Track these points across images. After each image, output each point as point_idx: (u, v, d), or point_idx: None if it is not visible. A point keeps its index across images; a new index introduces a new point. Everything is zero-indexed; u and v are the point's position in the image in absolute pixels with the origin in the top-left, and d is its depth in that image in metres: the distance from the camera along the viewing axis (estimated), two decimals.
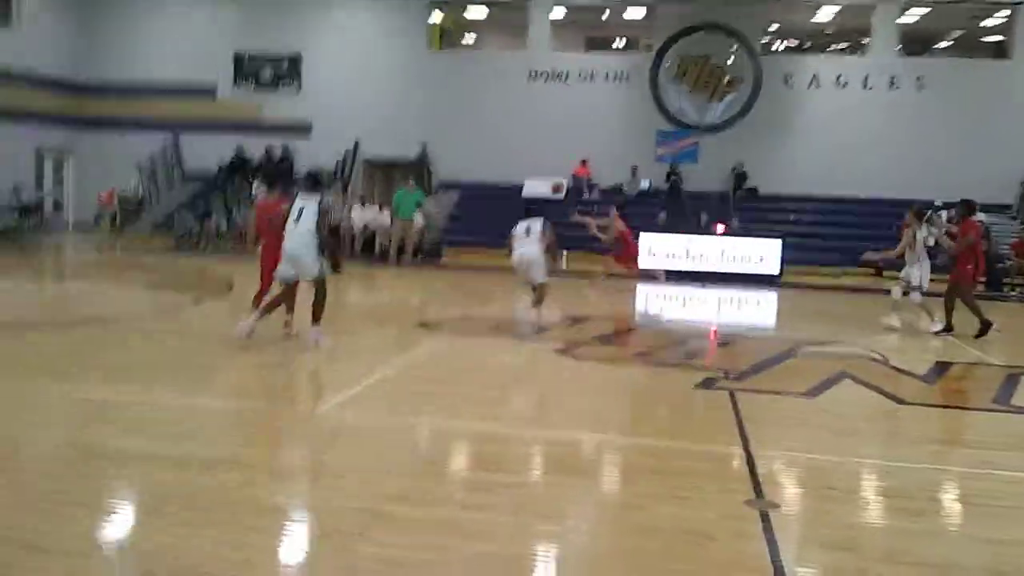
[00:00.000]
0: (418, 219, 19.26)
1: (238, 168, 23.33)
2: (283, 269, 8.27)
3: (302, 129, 23.79)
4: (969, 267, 11.21)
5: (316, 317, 8.37)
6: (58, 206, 24.33)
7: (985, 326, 10.69)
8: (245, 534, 3.90)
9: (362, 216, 20.39)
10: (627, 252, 15.33)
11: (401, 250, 18.76)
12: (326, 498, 4.47)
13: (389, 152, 23.61)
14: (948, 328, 10.95)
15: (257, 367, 7.75)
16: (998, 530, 4.38)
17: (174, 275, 15.01)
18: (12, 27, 22.45)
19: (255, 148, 23.69)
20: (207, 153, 23.32)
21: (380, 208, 20.37)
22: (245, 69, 24.44)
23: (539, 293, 10.20)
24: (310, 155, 22.72)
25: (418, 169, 23.06)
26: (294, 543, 3.99)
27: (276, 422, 5.97)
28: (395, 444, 5.54)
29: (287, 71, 24.30)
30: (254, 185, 21.69)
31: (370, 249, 19.81)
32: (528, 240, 9.97)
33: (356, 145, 23.50)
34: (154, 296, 12.97)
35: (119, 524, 4.09)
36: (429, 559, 3.73)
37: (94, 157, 23.86)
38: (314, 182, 8.59)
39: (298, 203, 8.28)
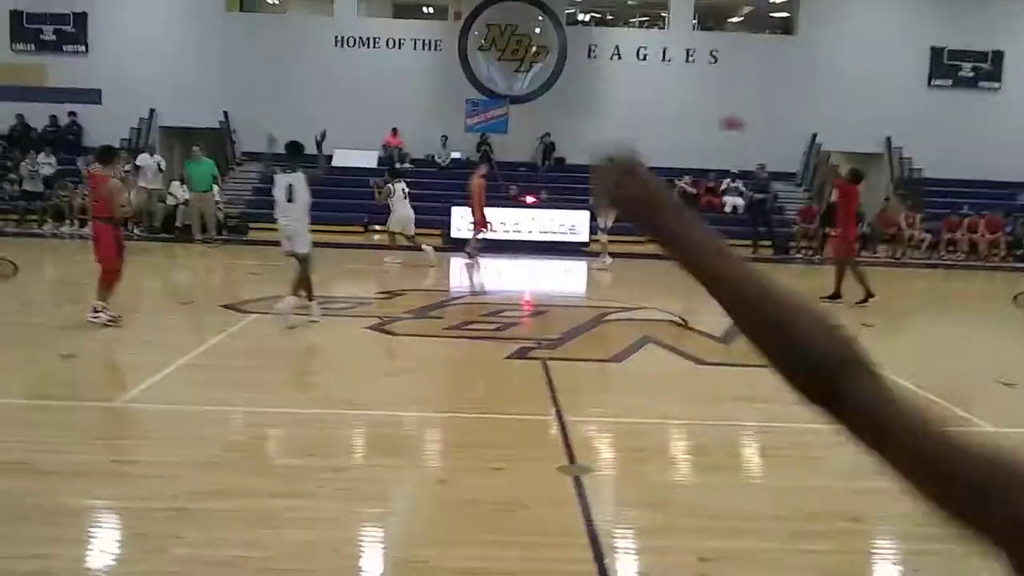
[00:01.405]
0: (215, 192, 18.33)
1: (20, 137, 21.27)
2: (284, 245, 8.73)
3: (91, 95, 21.97)
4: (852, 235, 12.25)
5: (309, 293, 8.61)
6: None
7: (867, 296, 11.59)
8: (41, 544, 3.61)
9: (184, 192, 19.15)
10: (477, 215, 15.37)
11: (204, 227, 17.74)
12: (133, 498, 4.20)
13: (189, 120, 22.31)
14: (836, 295, 11.58)
15: (50, 358, 7.14)
16: (786, 479, 4.79)
17: None
18: None
19: (39, 117, 21.70)
20: None
21: (181, 182, 19.19)
22: (24, 27, 22.15)
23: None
24: (101, 123, 21.12)
25: (220, 138, 22.01)
26: (99, 549, 3.75)
27: (74, 417, 5.52)
28: (201, 435, 5.28)
29: (72, 31, 22.25)
30: (38, 157, 19.91)
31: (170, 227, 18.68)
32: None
33: (152, 113, 22.02)
34: None
35: None
36: (247, 555, 3.61)
37: None
38: (296, 152, 8.69)
39: (284, 179, 8.36)
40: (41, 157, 19.89)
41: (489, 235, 17.09)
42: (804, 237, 19.11)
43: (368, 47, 22.86)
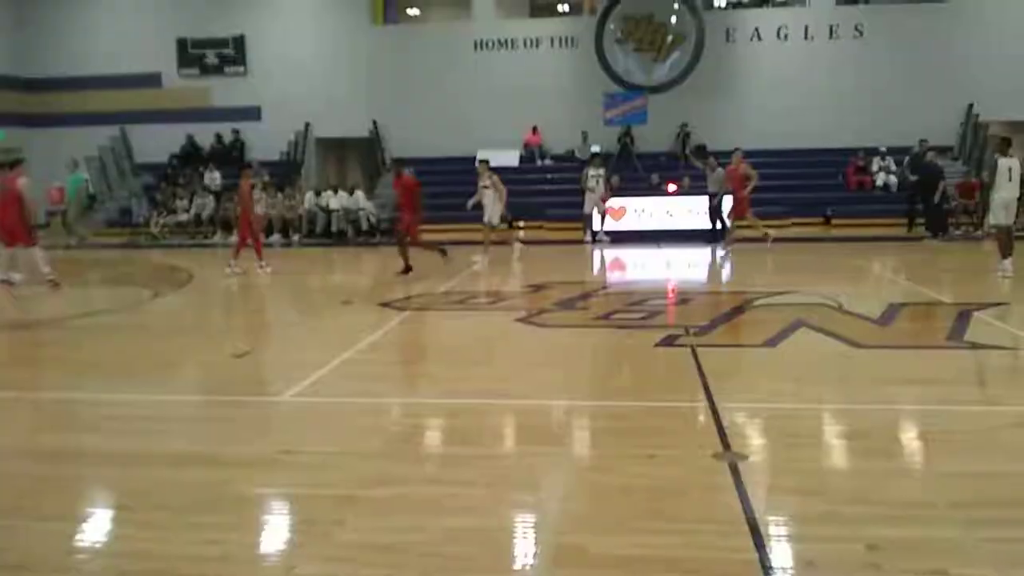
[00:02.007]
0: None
1: (191, 157, 22.97)
2: None
3: (252, 113, 23.47)
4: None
5: None
6: None
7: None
8: (221, 530, 3.88)
9: (339, 200, 20.21)
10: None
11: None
12: (301, 485, 4.46)
13: (340, 132, 23.42)
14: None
15: (217, 359, 7.68)
16: (957, 463, 4.53)
17: (133, 270, 14.75)
18: None
19: (206, 136, 23.38)
20: (157, 143, 22.95)
21: (352, 191, 20.24)
22: (190, 55, 23.92)
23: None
24: (261, 139, 22.52)
25: (370, 146, 22.96)
26: (271, 536, 3.97)
27: (246, 411, 5.93)
28: (364, 426, 5.54)
29: (232, 54, 23.83)
30: (205, 174, 21.45)
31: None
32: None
33: (307, 126, 23.22)
34: (113, 292, 12.77)
35: (90, 531, 4.03)
36: (408, 540, 3.75)
37: (41, 154, 23.23)
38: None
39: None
40: (207, 174, 21.39)
41: (626, 225, 17.17)
42: (964, 212, 17.91)
43: (507, 48, 23.21)
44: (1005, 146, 11.70)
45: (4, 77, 23.48)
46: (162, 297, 11.81)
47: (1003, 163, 11.50)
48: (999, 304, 9.25)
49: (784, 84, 22.09)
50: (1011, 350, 7.08)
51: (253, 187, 13.90)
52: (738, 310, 9.29)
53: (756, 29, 22.62)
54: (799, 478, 4.36)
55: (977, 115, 21.40)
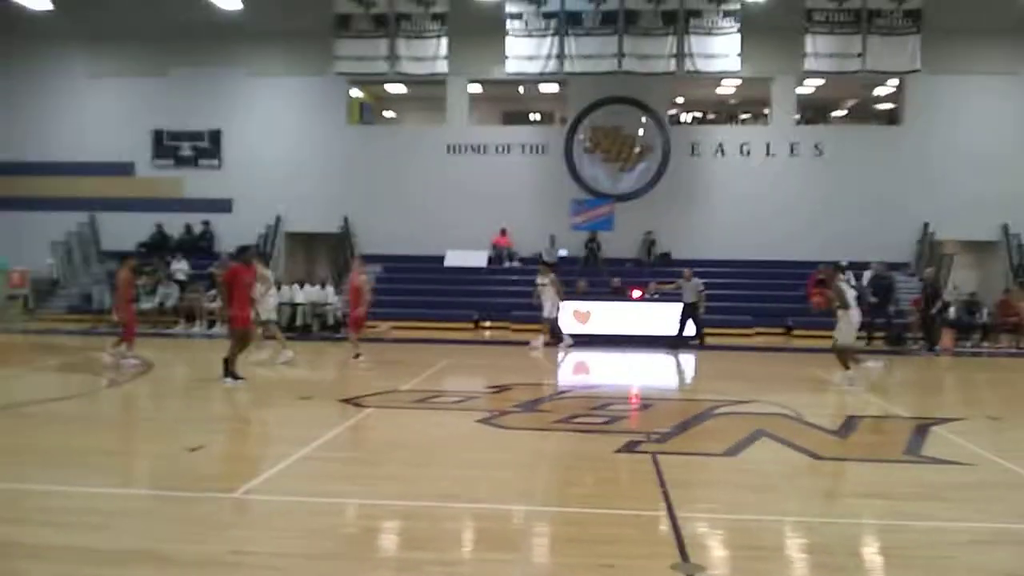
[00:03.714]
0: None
1: (158, 245, 22.94)
2: None
3: (223, 205, 23.67)
4: None
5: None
6: None
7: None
8: None
9: (306, 294, 20.20)
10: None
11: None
12: None
13: (311, 226, 23.63)
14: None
15: (171, 451, 7.51)
16: None
17: (90, 357, 14.46)
18: None
19: (176, 225, 23.46)
20: (126, 231, 22.95)
21: (323, 285, 20.30)
22: (164, 146, 24.21)
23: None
24: (232, 231, 22.60)
25: (340, 242, 23.13)
26: None
27: (197, 508, 5.76)
28: (317, 527, 5.41)
29: (207, 147, 24.16)
30: (172, 263, 21.38)
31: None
32: None
33: (278, 220, 23.40)
34: (67, 379, 12.51)
35: None
36: None
37: (5, 237, 23.09)
38: None
39: None
40: (174, 263, 21.35)
41: (595, 330, 17.42)
42: (920, 327, 18.32)
43: (479, 152, 23.78)
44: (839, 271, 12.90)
45: None
46: (117, 386, 11.58)
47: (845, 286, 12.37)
48: (957, 419, 9.38)
49: (747, 198, 22.78)
50: (968, 465, 7.15)
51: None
52: (699, 418, 9.32)
53: (720, 144, 23.44)
54: None
55: (932, 233, 22.16)
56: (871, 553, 5.14)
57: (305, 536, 5.19)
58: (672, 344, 17.15)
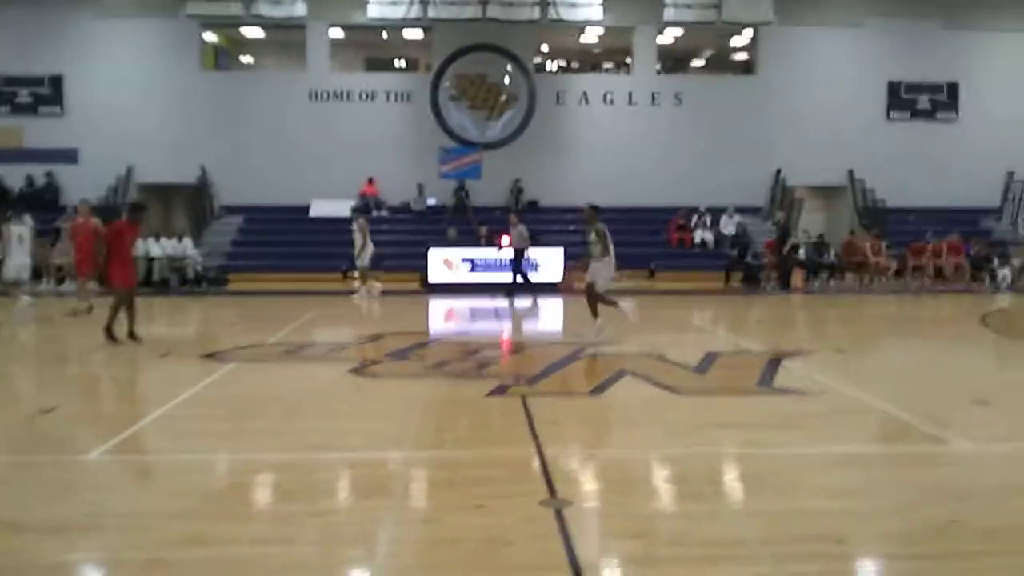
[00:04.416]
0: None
1: None
2: None
3: (68, 155, 22.09)
4: None
5: None
6: None
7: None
8: None
9: (162, 247, 19.21)
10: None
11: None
12: (107, 550, 4.15)
13: (167, 177, 22.43)
14: None
15: (20, 415, 7.07)
16: (767, 503, 4.81)
17: None
18: None
19: (16, 177, 21.77)
20: None
21: (180, 238, 19.34)
22: (2, 92, 22.29)
23: None
24: (79, 182, 21.21)
25: (197, 193, 22.12)
26: None
27: (50, 472, 5.45)
28: (179, 485, 5.23)
29: (48, 93, 22.42)
30: (9, 216, 19.85)
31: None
32: None
33: (129, 170, 22.10)
34: None
35: None
36: None
37: None
38: None
39: None
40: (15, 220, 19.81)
41: (464, 277, 17.34)
42: (773, 268, 19.35)
43: (342, 99, 23.15)
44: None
45: None
46: None
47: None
48: (807, 353, 9.99)
49: (611, 145, 23.22)
50: (817, 395, 7.64)
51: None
52: (567, 360, 9.54)
53: (584, 93, 23.71)
54: (622, 522, 4.49)
55: (784, 179, 23.30)
56: (728, 479, 5.43)
57: (167, 495, 5.00)
58: (508, 291, 16.79)
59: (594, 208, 11.65)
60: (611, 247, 11.15)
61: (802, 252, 20.29)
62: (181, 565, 3.92)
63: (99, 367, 9.58)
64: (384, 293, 17.55)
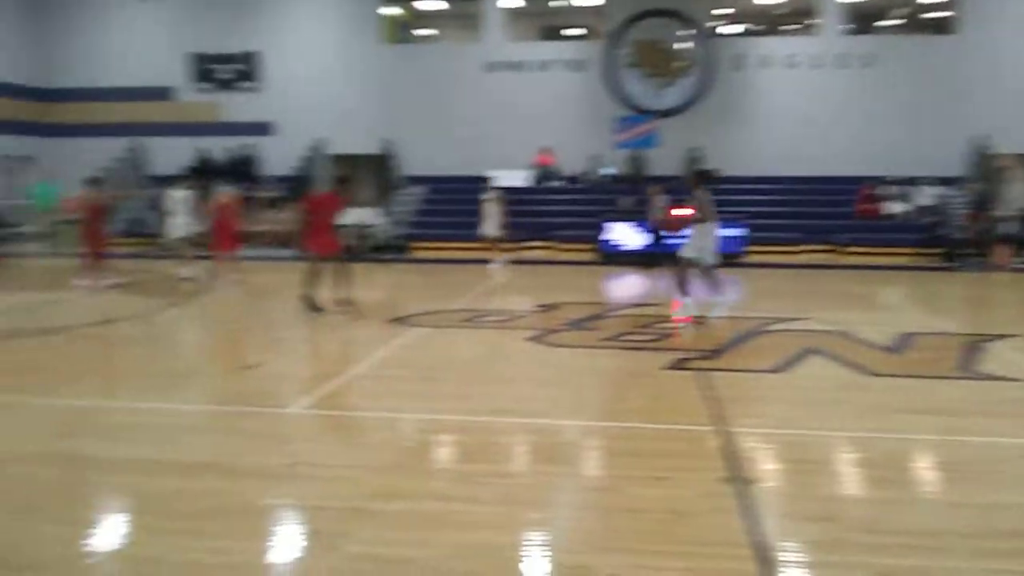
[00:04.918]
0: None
1: (201, 170, 23.11)
2: None
3: (264, 128, 23.70)
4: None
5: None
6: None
7: None
8: (228, 539, 3.93)
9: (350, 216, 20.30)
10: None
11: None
12: (310, 497, 4.49)
13: (352, 148, 23.57)
14: None
15: (232, 369, 7.73)
16: (965, 494, 4.53)
17: (145, 280, 14.83)
18: None
19: (217, 149, 23.61)
20: (169, 156, 23.13)
21: (367, 208, 20.36)
22: (203, 70, 24.19)
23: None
24: (274, 154, 22.71)
25: (382, 163, 23.09)
26: (277, 545, 4.00)
27: (257, 422, 5.96)
28: (375, 440, 5.57)
29: (246, 70, 24.09)
30: (213, 187, 21.52)
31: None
32: None
33: (320, 142, 23.40)
34: (125, 301, 12.84)
35: (100, 535, 4.08)
36: (415, 554, 3.78)
37: (56, 164, 23.46)
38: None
39: None
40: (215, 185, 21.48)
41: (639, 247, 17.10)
42: (975, 242, 17.89)
43: (517, 70, 23.35)
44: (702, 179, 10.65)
45: (21, 87, 23.74)
46: (174, 308, 11.87)
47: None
48: (1013, 336, 9.25)
49: (793, 111, 22.18)
50: (1020, 381, 7.08)
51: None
52: (748, 335, 9.30)
53: (765, 56, 22.74)
54: (808, 504, 4.37)
55: (986, 147, 21.44)
56: (921, 467, 5.15)
57: (361, 449, 5.35)
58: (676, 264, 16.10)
59: (699, 173, 11.43)
60: (713, 216, 10.26)
61: (1007, 226, 18.64)
62: (377, 515, 4.19)
63: (300, 328, 10.24)
64: (561, 263, 17.69)
